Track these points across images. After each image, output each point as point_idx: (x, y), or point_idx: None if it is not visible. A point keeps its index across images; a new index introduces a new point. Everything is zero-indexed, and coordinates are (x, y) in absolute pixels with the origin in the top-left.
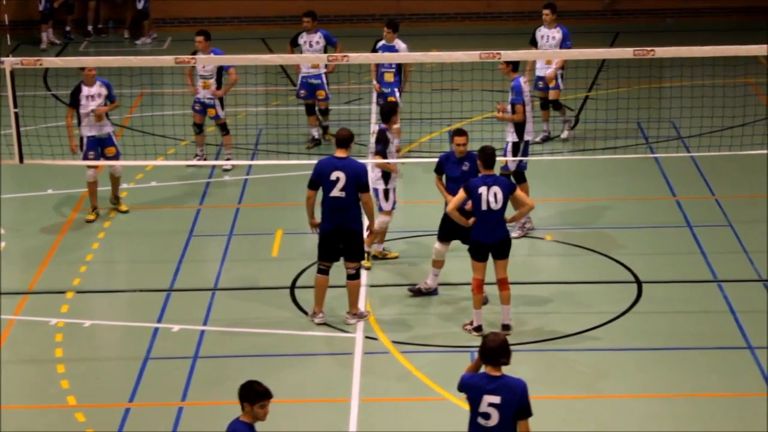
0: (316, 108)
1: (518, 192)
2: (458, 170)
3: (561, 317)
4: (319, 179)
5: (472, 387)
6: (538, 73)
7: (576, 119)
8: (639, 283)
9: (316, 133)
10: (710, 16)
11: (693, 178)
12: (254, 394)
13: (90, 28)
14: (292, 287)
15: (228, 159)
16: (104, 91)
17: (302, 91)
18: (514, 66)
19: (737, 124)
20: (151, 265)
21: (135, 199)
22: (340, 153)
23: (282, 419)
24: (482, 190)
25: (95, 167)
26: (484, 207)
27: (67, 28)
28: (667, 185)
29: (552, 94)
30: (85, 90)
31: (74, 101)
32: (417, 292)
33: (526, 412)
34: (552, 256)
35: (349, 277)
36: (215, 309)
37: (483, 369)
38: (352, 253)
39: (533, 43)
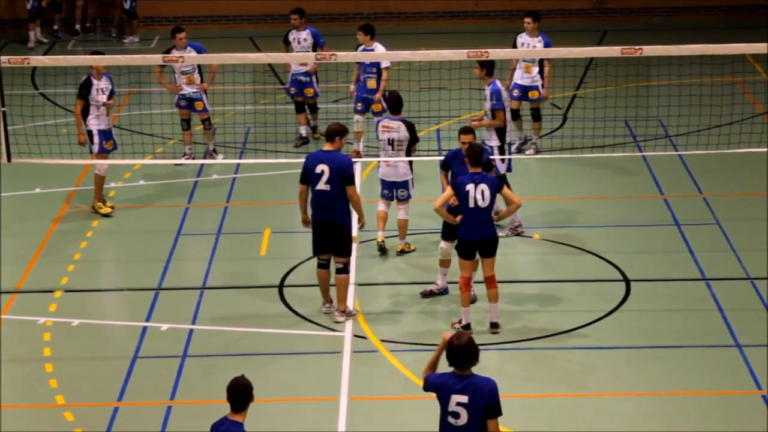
0: (306, 105)
1: (505, 190)
2: (465, 168)
3: (549, 315)
4: (307, 172)
5: (440, 386)
6: (516, 81)
7: (564, 118)
8: (627, 282)
9: (304, 131)
10: (698, 14)
11: (681, 177)
12: (251, 390)
13: (78, 26)
14: (281, 286)
15: (213, 152)
16: (110, 85)
17: (292, 89)
18: (489, 70)
19: (725, 123)
20: (139, 264)
21: (123, 197)
22: (327, 146)
23: (271, 418)
24: (470, 187)
25: (106, 161)
26: (471, 204)
27: (55, 27)
28: (655, 184)
29: (533, 104)
30: (96, 83)
31: (85, 94)
32: (429, 294)
33: (494, 411)
34: (540, 255)
35: (338, 271)
36: (204, 308)
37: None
38: (340, 248)
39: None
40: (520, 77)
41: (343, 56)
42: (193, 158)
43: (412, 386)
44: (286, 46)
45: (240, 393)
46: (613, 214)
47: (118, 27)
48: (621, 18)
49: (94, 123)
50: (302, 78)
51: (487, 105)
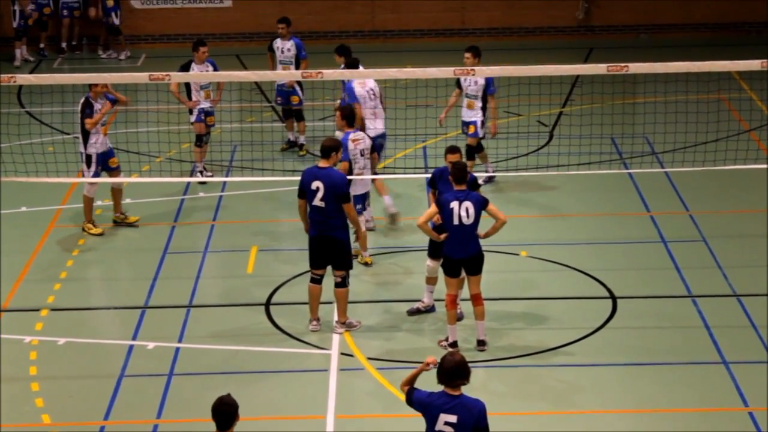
0: (292, 113)
1: (491, 207)
2: (451, 186)
3: (536, 333)
4: (303, 188)
5: (429, 405)
6: (463, 118)
7: (550, 135)
8: (613, 299)
9: (291, 136)
10: (684, 31)
11: (667, 194)
12: (236, 409)
13: (64, 45)
14: (268, 304)
15: (204, 169)
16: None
17: (278, 98)
18: (348, 121)
19: (711, 140)
20: (125, 283)
21: (109, 216)
22: (322, 163)
23: None
24: (454, 205)
25: (97, 183)
26: (455, 222)
27: (41, 45)
28: (641, 200)
29: (469, 141)
30: (96, 105)
31: (90, 113)
32: (415, 312)
33: None
34: (526, 272)
35: (336, 285)
36: (190, 326)
37: (442, 387)
38: (338, 262)
39: (458, 86)
40: (462, 113)
41: (330, 74)
42: (212, 174)
43: (399, 404)
44: (271, 53)
45: (225, 412)
46: (600, 232)
47: (104, 45)
48: (607, 35)
49: (94, 148)
50: (285, 88)
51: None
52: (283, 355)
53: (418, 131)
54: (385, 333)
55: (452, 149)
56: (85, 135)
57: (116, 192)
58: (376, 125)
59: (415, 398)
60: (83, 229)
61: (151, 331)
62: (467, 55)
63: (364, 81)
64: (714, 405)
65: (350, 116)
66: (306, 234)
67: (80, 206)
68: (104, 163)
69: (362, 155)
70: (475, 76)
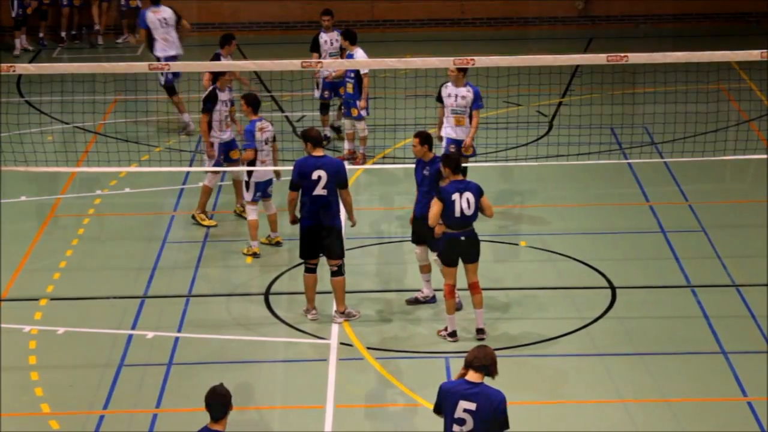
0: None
1: (484, 198)
2: (420, 174)
3: (534, 322)
4: (301, 179)
5: (449, 391)
6: (450, 136)
7: (550, 125)
8: (613, 289)
9: (328, 132)
10: (683, 22)
11: (666, 184)
12: (229, 399)
13: (63, 34)
14: (267, 293)
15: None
16: (231, 96)
17: (326, 92)
18: (254, 108)
19: (710, 130)
20: (125, 272)
21: (108, 205)
22: (317, 152)
23: (256, 426)
24: (455, 196)
25: (218, 174)
26: (457, 214)
27: (41, 35)
28: (640, 191)
29: (464, 160)
30: (221, 95)
31: (210, 107)
32: (414, 302)
33: (503, 424)
34: (526, 262)
35: (333, 274)
36: (189, 315)
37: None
38: (333, 250)
39: (439, 101)
40: (452, 131)
41: (329, 64)
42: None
43: (398, 394)
44: (314, 53)
45: (218, 402)
46: (599, 222)
47: (102, 34)
48: (607, 25)
49: (216, 135)
50: (335, 80)
51: None
52: (282, 345)
53: (417, 121)
54: (384, 322)
55: (415, 134)
56: (209, 124)
57: (237, 183)
58: (166, 49)
59: (439, 389)
60: (192, 217)
61: (150, 321)
62: (451, 68)
63: (159, 9)
64: (713, 395)
65: (255, 103)
66: (291, 223)
67: (79, 196)
68: (225, 154)
69: (266, 143)
70: (462, 90)
